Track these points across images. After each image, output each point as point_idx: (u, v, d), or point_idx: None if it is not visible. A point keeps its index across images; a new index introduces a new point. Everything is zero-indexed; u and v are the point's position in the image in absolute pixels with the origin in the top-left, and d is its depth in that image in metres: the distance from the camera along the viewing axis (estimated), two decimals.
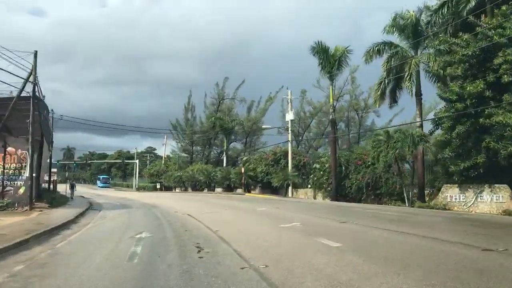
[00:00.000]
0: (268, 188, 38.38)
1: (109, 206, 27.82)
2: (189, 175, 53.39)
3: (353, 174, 27.39)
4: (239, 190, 43.39)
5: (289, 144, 37.16)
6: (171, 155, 74.15)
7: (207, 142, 72.43)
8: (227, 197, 36.44)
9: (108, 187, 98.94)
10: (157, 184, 67.79)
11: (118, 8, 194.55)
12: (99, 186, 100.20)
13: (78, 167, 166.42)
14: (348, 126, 50.80)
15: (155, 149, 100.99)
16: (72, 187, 37.16)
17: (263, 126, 51.58)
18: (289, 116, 38.04)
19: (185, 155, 72.21)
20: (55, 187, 35.18)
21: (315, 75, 41.51)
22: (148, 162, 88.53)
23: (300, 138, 53.95)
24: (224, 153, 57.98)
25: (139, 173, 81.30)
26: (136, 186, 73.47)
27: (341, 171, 28.33)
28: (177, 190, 60.82)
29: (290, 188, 34.89)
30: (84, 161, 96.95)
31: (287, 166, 35.88)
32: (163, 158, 68.76)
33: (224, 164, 53.79)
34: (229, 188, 46.41)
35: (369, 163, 26.16)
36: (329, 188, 29.22)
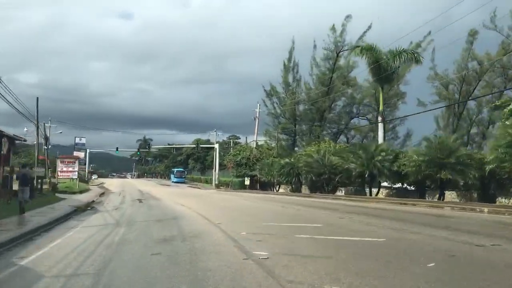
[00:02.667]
0: None
1: None
2: (315, 162, 29.60)
3: None
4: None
5: None
6: (262, 141, 51.63)
7: (317, 116, 48.56)
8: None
9: (183, 182, 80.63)
10: (246, 178, 45.83)
11: (200, 8, 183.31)
12: (173, 181, 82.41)
13: (156, 160, 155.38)
14: None
15: (238, 137, 79.98)
16: (24, 183, 15.44)
17: None
18: None
19: (282, 136, 49.27)
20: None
21: None
22: (231, 149, 67.45)
23: None
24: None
25: (220, 164, 61.18)
26: (216, 181, 52.37)
27: None
28: (281, 190, 38.30)
29: None
30: (146, 148, 79.62)
31: None
32: (255, 136, 46.39)
33: None
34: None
35: None
36: None
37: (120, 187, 51.74)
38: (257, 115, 45.97)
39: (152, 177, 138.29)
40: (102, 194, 29.81)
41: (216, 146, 52.27)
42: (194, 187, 55.82)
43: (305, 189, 33.33)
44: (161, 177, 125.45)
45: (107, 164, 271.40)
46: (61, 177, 30.51)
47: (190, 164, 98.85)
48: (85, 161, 65.11)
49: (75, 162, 30.66)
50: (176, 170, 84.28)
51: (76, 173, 30.67)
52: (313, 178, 29.36)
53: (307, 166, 29.69)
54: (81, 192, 27.90)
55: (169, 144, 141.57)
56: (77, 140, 59.98)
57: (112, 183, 66.49)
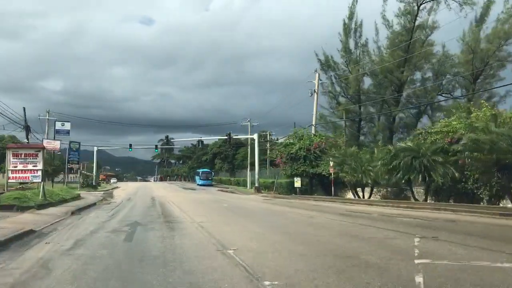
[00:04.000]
0: None
1: None
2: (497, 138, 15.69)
3: None
4: None
5: None
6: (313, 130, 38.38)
7: (391, 91, 35.38)
8: None
9: (210, 184, 68.48)
10: (296, 179, 32.79)
11: (220, 11, 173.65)
12: (198, 184, 70.43)
13: (179, 162, 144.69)
14: None
15: (272, 133, 66.43)
16: None
17: None
18: None
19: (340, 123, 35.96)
20: None
21: None
22: (268, 143, 54.52)
23: None
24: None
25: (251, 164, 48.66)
26: (256, 183, 39.57)
27: None
28: (371, 196, 24.89)
29: None
30: (166, 145, 67.59)
31: None
32: (313, 118, 32.58)
33: None
34: None
35: None
36: None
37: (131, 193, 39.90)
38: (316, 88, 32.67)
39: (175, 180, 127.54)
40: (77, 211, 17.60)
41: (255, 136, 39.52)
42: (226, 191, 43.41)
43: (431, 196, 19.63)
44: (184, 180, 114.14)
45: (131, 168, 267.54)
46: (13, 180, 18.29)
47: (216, 164, 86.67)
48: (82, 163, 53.58)
49: (37, 155, 18.18)
50: (202, 171, 72.21)
51: (40, 172, 18.31)
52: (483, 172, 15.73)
53: (476, 147, 15.62)
54: (39, 207, 15.67)
55: (192, 145, 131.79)
56: (58, 125, 42.41)
57: (127, 188, 55.02)
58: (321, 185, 29.74)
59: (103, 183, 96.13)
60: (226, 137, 40.42)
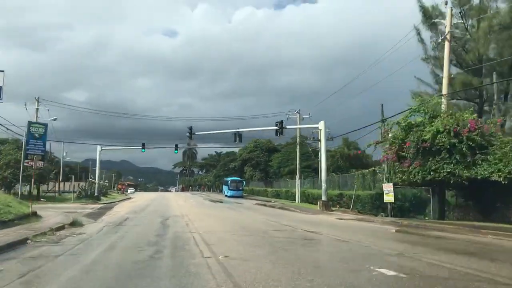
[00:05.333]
0: None
1: None
2: None
3: None
4: None
5: None
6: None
7: None
8: None
9: (241, 196, 56.11)
10: (386, 192, 19.80)
11: (242, 22, 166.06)
12: (226, 195, 58.09)
13: (202, 171, 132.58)
14: None
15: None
16: None
17: None
18: None
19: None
20: None
21: None
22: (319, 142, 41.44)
23: None
24: None
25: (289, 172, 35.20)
26: (324, 197, 26.25)
27: None
28: None
29: None
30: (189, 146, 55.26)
31: None
32: (445, 84, 18.92)
33: None
34: None
35: None
36: None
37: (137, 209, 27.62)
38: (446, 33, 18.60)
39: (197, 190, 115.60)
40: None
41: (321, 125, 26.23)
42: (270, 206, 30.50)
43: None
44: (208, 190, 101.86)
45: (153, 178, 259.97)
46: None
47: (247, 172, 73.80)
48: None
49: None
50: (231, 180, 59.66)
51: None
52: None
53: None
54: None
55: (216, 153, 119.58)
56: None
57: (138, 200, 43.19)
58: (476, 200, 15.95)
59: (117, 193, 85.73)
60: (276, 128, 27.50)
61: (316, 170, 57.59)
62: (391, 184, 22.29)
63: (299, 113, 37.58)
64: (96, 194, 40.05)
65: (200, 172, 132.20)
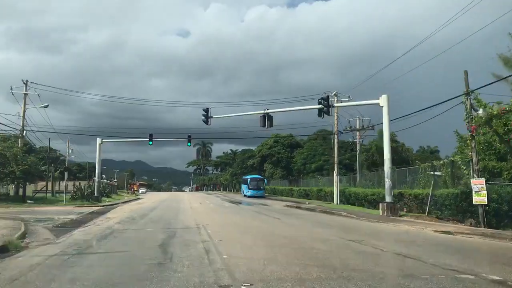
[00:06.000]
0: None
1: None
2: None
3: None
4: None
5: None
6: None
7: None
8: None
9: (262, 196, 49.53)
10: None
11: (255, 21, 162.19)
12: (246, 195, 51.63)
13: (217, 169, 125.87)
14: None
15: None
16: None
17: None
18: None
19: None
20: None
21: None
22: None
23: None
24: None
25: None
26: (388, 198, 19.35)
27: None
28: None
29: None
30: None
31: None
32: None
33: None
34: None
35: None
36: None
37: (140, 212, 21.25)
38: None
39: (212, 189, 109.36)
40: None
41: (384, 100, 19.23)
42: (305, 208, 23.81)
43: None
44: (224, 189, 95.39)
45: (168, 178, 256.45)
46: None
47: (266, 170, 67.10)
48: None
49: None
50: (251, 178, 52.98)
51: None
52: None
53: None
54: None
55: (231, 151, 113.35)
56: None
57: (146, 202, 37.18)
58: None
59: (127, 192, 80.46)
60: (320, 106, 20.69)
61: (347, 167, 50.27)
62: (482, 180, 16.14)
63: (336, 96, 30.74)
64: (96, 194, 33.92)
65: (214, 171, 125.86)
